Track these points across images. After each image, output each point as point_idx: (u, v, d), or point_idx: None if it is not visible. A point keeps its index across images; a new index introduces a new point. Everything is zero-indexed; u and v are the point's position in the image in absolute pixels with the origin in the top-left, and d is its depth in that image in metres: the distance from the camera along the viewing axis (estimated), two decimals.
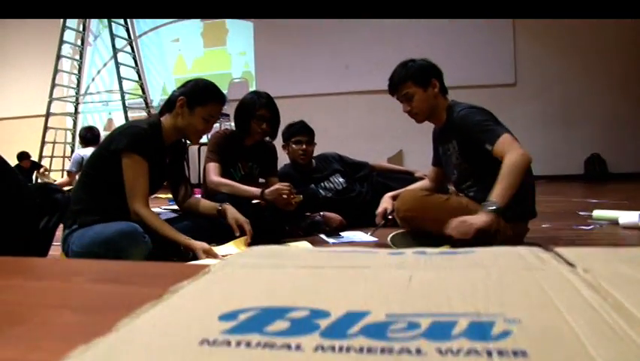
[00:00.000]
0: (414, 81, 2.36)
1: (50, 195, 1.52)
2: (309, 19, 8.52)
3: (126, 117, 8.65)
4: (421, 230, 2.24)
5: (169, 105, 2.31)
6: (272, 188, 2.68)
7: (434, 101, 2.38)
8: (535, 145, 7.79)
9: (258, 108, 2.90)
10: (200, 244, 2.09)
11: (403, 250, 0.74)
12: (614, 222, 2.95)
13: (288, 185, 2.67)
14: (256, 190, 2.70)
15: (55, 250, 2.07)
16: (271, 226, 2.86)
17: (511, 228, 2.23)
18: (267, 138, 3.04)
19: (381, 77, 9.01)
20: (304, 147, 3.30)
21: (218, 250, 2.14)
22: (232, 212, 2.41)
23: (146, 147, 2.14)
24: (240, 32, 9.07)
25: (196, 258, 2.08)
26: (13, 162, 8.23)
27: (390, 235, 2.30)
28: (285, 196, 2.62)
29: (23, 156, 8.52)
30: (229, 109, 8.41)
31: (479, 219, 2.00)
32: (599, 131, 7.69)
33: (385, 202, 2.47)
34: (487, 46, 7.96)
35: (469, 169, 2.38)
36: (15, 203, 1.31)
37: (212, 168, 2.81)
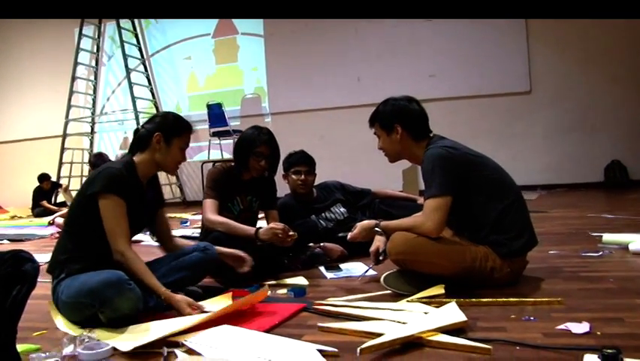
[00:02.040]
0: (380, 124, 2.38)
1: (20, 265, 1.48)
2: (320, 33, 8.51)
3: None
4: (414, 271, 2.18)
5: (140, 143, 2.27)
6: (266, 228, 2.64)
7: (398, 146, 2.36)
8: (553, 153, 7.66)
9: (258, 145, 2.85)
10: (182, 298, 2.04)
11: None
12: (625, 247, 2.84)
13: (283, 226, 2.61)
14: (250, 230, 2.65)
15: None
16: (269, 260, 2.83)
17: (508, 265, 2.17)
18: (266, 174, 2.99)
19: (394, 89, 9.03)
20: (303, 177, 3.24)
21: (205, 303, 2.08)
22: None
23: (122, 186, 2.11)
24: (251, 48, 9.08)
25: (169, 308, 2.03)
26: (33, 182, 8.37)
27: (383, 276, 2.24)
28: (280, 236, 2.57)
29: (44, 177, 8.65)
30: (242, 125, 8.47)
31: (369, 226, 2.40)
32: (619, 137, 7.49)
33: (377, 240, 2.41)
34: (500, 54, 7.83)
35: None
36: None
37: (209, 205, 2.77)
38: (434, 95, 7.83)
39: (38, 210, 8.39)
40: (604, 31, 7.39)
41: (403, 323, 1.69)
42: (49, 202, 8.54)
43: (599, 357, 1.29)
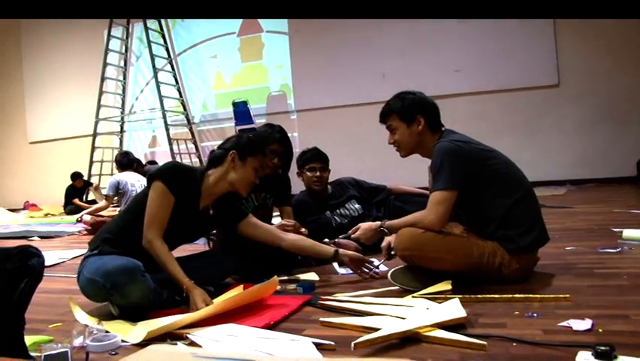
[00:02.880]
0: (399, 116, 2.34)
1: (28, 259, 1.54)
2: (344, 30, 8.50)
3: (168, 134, 8.87)
4: (422, 267, 2.18)
5: (215, 161, 2.34)
6: (276, 224, 2.67)
7: (417, 138, 2.33)
8: (583, 148, 7.51)
9: (271, 143, 2.88)
10: (200, 293, 2.07)
11: None
12: None
13: (293, 222, 2.65)
14: None
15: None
16: (283, 256, 2.84)
17: (516, 261, 2.14)
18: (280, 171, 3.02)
19: (419, 84, 8.94)
20: (318, 173, 3.26)
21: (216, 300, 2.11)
22: None
23: (178, 182, 2.18)
24: (276, 46, 9.14)
25: (181, 303, 2.09)
26: (66, 181, 8.59)
27: (391, 272, 2.24)
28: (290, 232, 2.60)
29: (76, 176, 8.86)
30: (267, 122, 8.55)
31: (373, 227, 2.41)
32: None
33: (389, 236, 2.41)
34: (526, 46, 7.71)
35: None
36: None
37: None
38: (459, 90, 7.77)
39: (70, 207, 8.59)
40: (634, 22, 7.20)
41: (403, 318, 1.70)
42: (81, 200, 8.75)
43: (592, 354, 1.27)
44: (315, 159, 3.27)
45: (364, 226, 2.44)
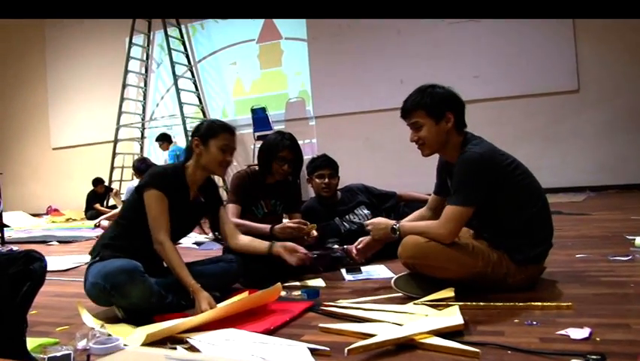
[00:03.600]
0: (427, 111, 2.17)
1: (30, 263, 1.58)
2: (363, 36, 8.52)
3: (187, 141, 8.94)
4: (425, 274, 2.17)
5: (188, 152, 2.46)
6: (280, 225, 2.69)
7: (444, 137, 2.19)
8: (603, 154, 7.39)
9: (281, 149, 2.90)
10: (206, 296, 2.11)
11: None
12: None
13: (296, 224, 2.68)
14: (266, 227, 2.72)
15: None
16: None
17: (522, 271, 2.12)
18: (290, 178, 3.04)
19: None
20: (327, 180, 3.28)
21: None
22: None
23: (167, 184, 2.28)
24: (294, 52, 9.18)
25: (186, 307, 2.14)
26: (88, 186, 8.73)
27: (394, 279, 2.24)
28: (293, 233, 2.63)
29: (98, 182, 9.00)
30: (286, 129, 8.58)
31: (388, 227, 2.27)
32: None
33: (393, 238, 2.39)
34: (546, 51, 7.63)
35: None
36: None
37: (231, 209, 2.85)
38: (478, 96, 7.71)
39: (91, 213, 8.72)
40: None
41: (401, 325, 1.70)
42: (102, 206, 8.88)
43: None
44: (324, 165, 3.29)
45: (379, 219, 2.37)
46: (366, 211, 3.34)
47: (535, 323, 1.72)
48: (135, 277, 2.06)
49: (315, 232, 2.71)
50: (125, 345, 1.77)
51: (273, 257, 2.49)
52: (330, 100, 8.87)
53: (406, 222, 2.31)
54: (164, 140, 8.79)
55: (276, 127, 8.60)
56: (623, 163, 7.34)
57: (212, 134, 2.37)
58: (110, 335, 1.83)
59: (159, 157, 9.67)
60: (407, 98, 2.26)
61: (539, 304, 1.89)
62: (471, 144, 2.17)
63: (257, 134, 8.76)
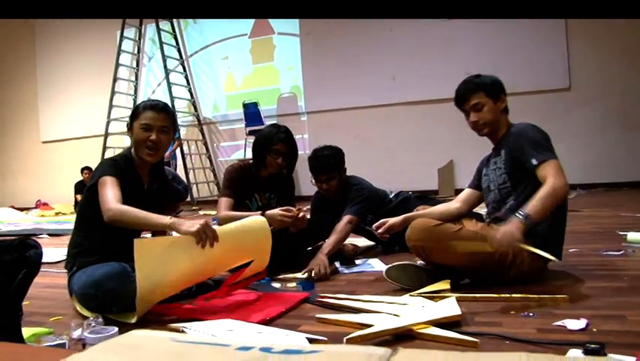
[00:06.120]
0: (486, 92, 2.33)
1: (25, 251, 1.56)
2: (355, 32, 8.51)
3: (179, 135, 8.91)
4: (431, 261, 2.18)
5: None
6: (272, 211, 2.65)
7: (499, 116, 2.35)
8: (593, 152, 7.43)
9: (275, 142, 2.87)
10: (186, 222, 2.01)
11: (254, 344, 0.71)
12: None
13: (285, 208, 2.65)
14: (255, 214, 2.62)
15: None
16: (289, 255, 2.86)
17: (528, 264, 2.11)
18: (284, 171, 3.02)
19: (428, 87, 8.93)
20: (324, 186, 3.18)
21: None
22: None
23: (119, 172, 2.17)
24: (287, 48, 9.15)
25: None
26: (78, 177, 8.70)
27: (385, 269, 2.24)
28: (283, 219, 2.60)
29: (85, 169, 9.02)
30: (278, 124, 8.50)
31: (514, 226, 1.95)
32: None
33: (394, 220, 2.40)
34: (538, 49, 7.65)
35: (509, 189, 2.29)
36: None
37: (223, 203, 2.83)
38: None
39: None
40: None
41: (398, 315, 1.70)
42: None
43: (582, 352, 1.27)
44: (319, 170, 3.12)
45: (504, 230, 1.97)
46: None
47: (531, 314, 1.73)
48: (126, 280, 1.97)
49: (302, 213, 2.67)
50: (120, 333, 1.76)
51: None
52: (322, 96, 8.85)
53: (532, 207, 2.00)
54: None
55: (268, 122, 8.57)
56: (612, 161, 7.39)
57: (134, 115, 2.28)
58: (105, 324, 1.81)
59: None
60: (461, 86, 2.41)
61: (535, 296, 1.90)
62: (522, 123, 2.35)
63: (248, 129, 8.73)
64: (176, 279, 1.96)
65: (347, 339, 1.47)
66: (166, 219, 1.98)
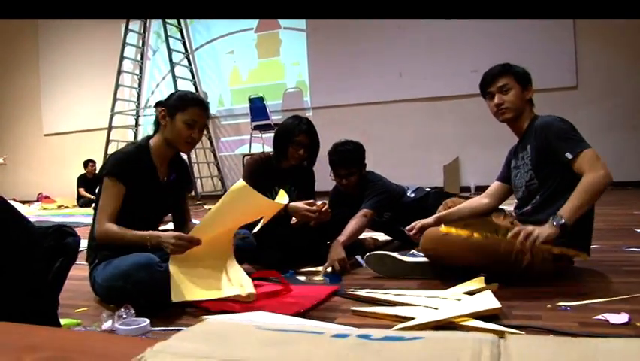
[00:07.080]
0: (516, 78, 2.32)
1: (63, 238, 1.53)
2: (362, 28, 8.48)
3: None
4: (446, 265, 2.22)
5: (155, 125, 2.31)
6: (295, 203, 2.64)
7: (524, 105, 2.33)
8: (600, 151, 7.26)
9: (298, 134, 2.85)
10: (168, 234, 2.05)
11: (349, 331, 0.69)
12: None
13: (308, 202, 2.64)
14: (280, 205, 2.59)
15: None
16: (311, 247, 2.85)
17: (538, 264, 2.02)
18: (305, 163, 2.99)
19: (436, 84, 8.87)
20: (343, 181, 3.15)
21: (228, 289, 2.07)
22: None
23: (128, 170, 2.15)
24: (293, 42, 9.12)
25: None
26: (81, 171, 8.65)
27: (366, 256, 2.38)
28: (304, 212, 2.60)
29: (89, 162, 8.99)
30: (283, 119, 8.52)
31: (544, 230, 1.93)
32: None
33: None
34: (545, 47, 7.63)
35: (537, 186, 2.27)
36: (25, 254, 1.32)
37: None
38: (477, 91, 7.66)
39: (83, 200, 8.63)
40: None
41: (435, 308, 1.69)
42: (93, 193, 8.75)
43: None
44: (339, 165, 3.09)
45: (537, 232, 1.93)
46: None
47: (568, 308, 1.72)
48: (154, 270, 1.95)
49: (325, 207, 2.65)
50: (152, 326, 1.74)
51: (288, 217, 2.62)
52: (328, 91, 8.82)
53: (568, 210, 1.98)
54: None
55: (273, 117, 8.54)
56: (619, 160, 7.36)
57: (181, 106, 2.22)
58: (136, 316, 1.79)
59: None
60: (489, 70, 2.41)
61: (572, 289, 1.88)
62: (546, 115, 2.35)
63: (254, 123, 8.69)
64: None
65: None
66: (146, 235, 2.06)
